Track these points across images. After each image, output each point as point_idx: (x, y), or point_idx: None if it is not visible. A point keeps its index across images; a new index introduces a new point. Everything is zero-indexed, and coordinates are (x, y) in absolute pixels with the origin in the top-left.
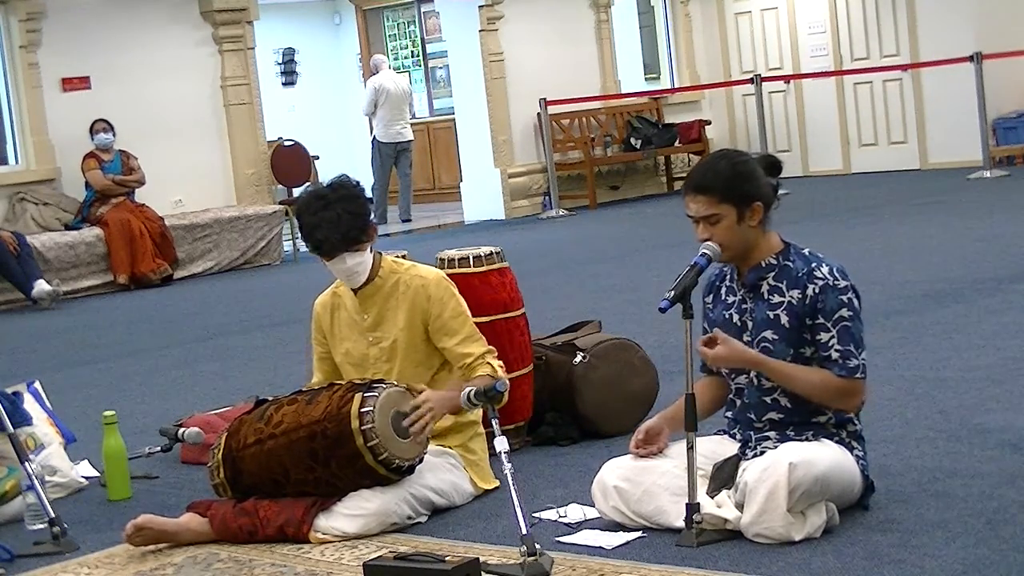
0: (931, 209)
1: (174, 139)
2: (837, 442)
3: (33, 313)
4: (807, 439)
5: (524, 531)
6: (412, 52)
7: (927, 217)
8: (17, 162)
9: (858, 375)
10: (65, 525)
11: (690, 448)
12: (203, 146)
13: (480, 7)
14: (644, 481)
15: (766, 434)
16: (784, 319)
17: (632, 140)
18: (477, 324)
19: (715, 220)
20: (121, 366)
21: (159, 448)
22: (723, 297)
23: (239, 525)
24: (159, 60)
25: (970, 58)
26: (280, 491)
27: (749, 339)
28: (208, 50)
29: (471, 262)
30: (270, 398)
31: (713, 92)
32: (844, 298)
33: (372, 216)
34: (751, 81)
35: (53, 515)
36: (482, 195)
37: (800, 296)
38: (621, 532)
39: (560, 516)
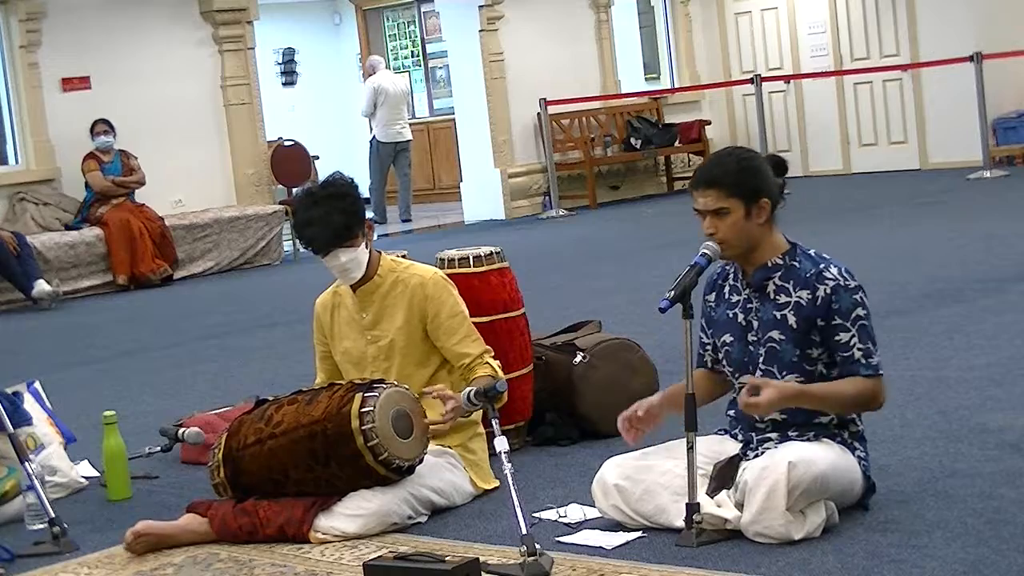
0: (931, 209)
1: (174, 139)
2: (839, 443)
3: (33, 313)
4: (809, 440)
5: (524, 531)
6: (412, 52)
7: (927, 217)
8: (17, 162)
9: (880, 372)
10: (65, 525)
11: (690, 448)
12: (203, 146)
13: (480, 7)
14: (644, 480)
15: (768, 435)
16: (792, 319)
17: (632, 140)
18: (477, 324)
19: (723, 214)
20: (121, 366)
21: (159, 448)
22: (727, 296)
23: (239, 525)
24: (159, 60)
25: (970, 58)
26: (280, 491)
27: (754, 339)
28: (208, 50)
29: (471, 262)
30: (270, 398)
31: (713, 92)
32: (857, 297)
33: (367, 213)
34: (751, 81)
35: (53, 515)
36: (482, 195)
37: (810, 297)
38: (621, 532)
39: (560, 516)
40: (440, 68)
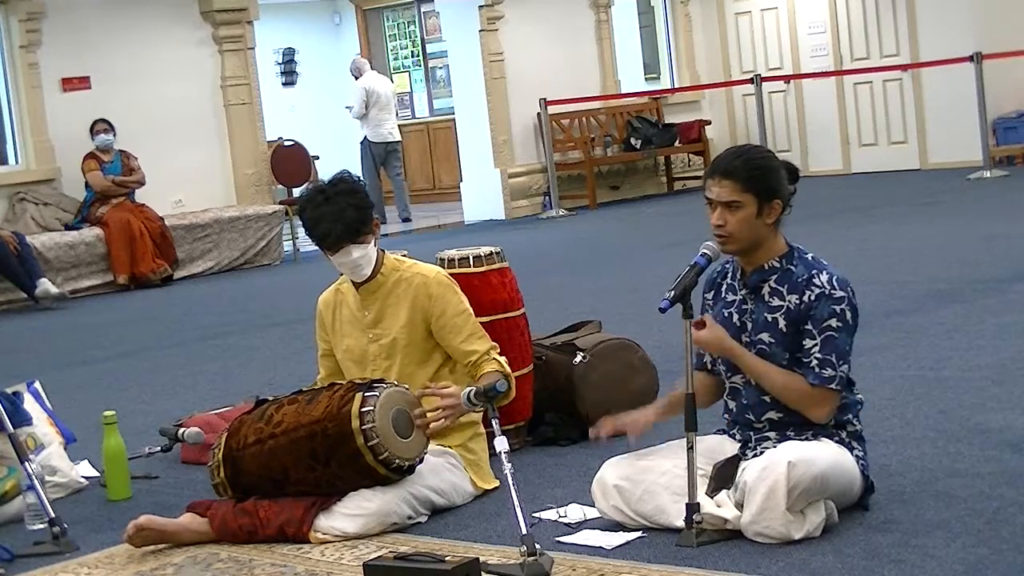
0: (931, 209)
1: (174, 139)
2: (837, 442)
3: (33, 313)
4: (807, 439)
5: (524, 531)
6: (412, 52)
7: (927, 217)
8: (17, 162)
9: (831, 386)
10: (65, 525)
11: (690, 448)
12: (203, 146)
13: (480, 7)
14: (644, 480)
15: (766, 434)
16: (782, 323)
17: (632, 140)
18: None
19: (735, 208)
20: (121, 366)
21: (159, 448)
22: (723, 295)
23: (239, 525)
24: (159, 60)
25: (970, 58)
26: (280, 491)
27: (747, 340)
28: (208, 50)
29: (471, 262)
30: (270, 398)
31: (713, 92)
32: (837, 308)
33: (374, 211)
34: (751, 81)
35: (53, 515)
36: (482, 195)
37: (798, 302)
38: (621, 532)
39: (560, 516)
40: (440, 68)
